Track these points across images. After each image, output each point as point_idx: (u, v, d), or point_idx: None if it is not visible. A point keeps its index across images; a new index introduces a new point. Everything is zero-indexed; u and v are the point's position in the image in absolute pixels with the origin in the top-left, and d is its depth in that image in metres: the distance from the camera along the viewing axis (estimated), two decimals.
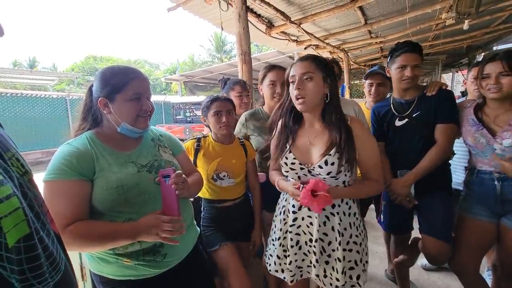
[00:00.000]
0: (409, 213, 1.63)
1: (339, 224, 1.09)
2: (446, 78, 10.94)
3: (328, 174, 1.06)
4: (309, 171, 1.10)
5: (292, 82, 1.09)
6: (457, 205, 1.52)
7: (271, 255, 1.27)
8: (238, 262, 1.37)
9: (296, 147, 1.15)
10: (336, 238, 1.09)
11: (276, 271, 1.24)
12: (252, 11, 3.35)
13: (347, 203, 1.13)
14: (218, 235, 1.43)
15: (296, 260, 1.18)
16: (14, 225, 0.41)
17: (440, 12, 3.66)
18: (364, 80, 2.13)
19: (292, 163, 1.14)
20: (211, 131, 1.52)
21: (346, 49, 5.78)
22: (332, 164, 1.04)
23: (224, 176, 1.43)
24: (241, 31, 2.50)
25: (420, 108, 1.49)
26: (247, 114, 1.69)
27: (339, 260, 1.08)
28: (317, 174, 1.09)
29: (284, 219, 1.20)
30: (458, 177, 1.83)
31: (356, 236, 1.13)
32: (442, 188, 1.51)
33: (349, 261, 1.11)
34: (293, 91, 1.09)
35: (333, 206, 1.11)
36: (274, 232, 1.27)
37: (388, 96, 1.90)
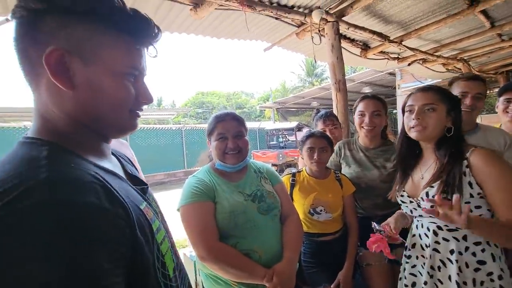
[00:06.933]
0: None
1: (457, 274, 0.94)
2: None
3: (431, 207, 0.95)
4: (418, 205, 1.06)
5: (409, 111, 1.07)
6: None
7: None
8: None
9: (410, 180, 1.13)
10: None
11: None
12: (345, 37, 3.30)
13: (474, 254, 0.94)
14: (322, 274, 1.40)
15: None
16: (170, 259, 0.53)
17: None
18: (498, 97, 1.69)
19: (402, 196, 1.13)
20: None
21: (466, 58, 4.81)
22: (433, 197, 0.95)
23: (321, 210, 1.42)
24: (335, 60, 2.50)
25: None
26: (341, 143, 1.70)
27: None
28: (424, 208, 1.00)
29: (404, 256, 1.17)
30: None
31: None
32: None
33: None
34: (408, 121, 1.07)
35: (452, 251, 0.97)
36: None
37: None
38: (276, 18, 2.60)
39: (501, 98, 1.64)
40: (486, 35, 3.50)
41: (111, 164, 0.55)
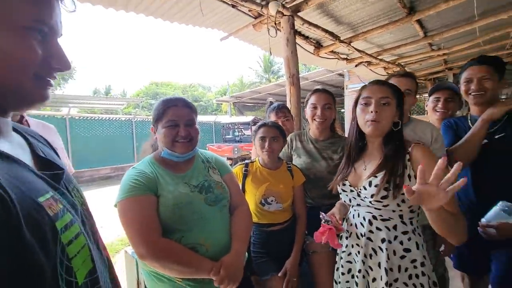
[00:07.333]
0: (484, 251, 1.34)
1: (386, 262, 1.00)
2: None
3: (372, 196, 1.02)
4: (358, 194, 1.09)
5: (365, 104, 1.05)
6: None
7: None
8: None
9: (352, 171, 1.15)
10: (381, 276, 1.00)
11: None
12: (300, 33, 3.37)
13: (401, 243, 1.00)
14: (271, 263, 1.40)
15: None
16: (82, 262, 0.43)
17: None
18: (428, 96, 1.90)
19: (344, 184, 1.15)
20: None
21: (402, 63, 5.38)
22: (376, 186, 1.01)
23: (272, 201, 1.43)
24: (289, 55, 2.53)
25: (506, 129, 1.26)
26: (293, 135, 1.72)
27: None
28: (364, 197, 1.06)
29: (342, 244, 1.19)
30: None
31: (406, 284, 0.98)
32: None
33: None
34: (364, 114, 1.05)
35: (383, 240, 1.02)
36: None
37: (460, 115, 1.67)
38: (233, 6, 2.53)
39: (431, 97, 1.84)
40: (419, 43, 3.94)
41: (9, 144, 0.44)
